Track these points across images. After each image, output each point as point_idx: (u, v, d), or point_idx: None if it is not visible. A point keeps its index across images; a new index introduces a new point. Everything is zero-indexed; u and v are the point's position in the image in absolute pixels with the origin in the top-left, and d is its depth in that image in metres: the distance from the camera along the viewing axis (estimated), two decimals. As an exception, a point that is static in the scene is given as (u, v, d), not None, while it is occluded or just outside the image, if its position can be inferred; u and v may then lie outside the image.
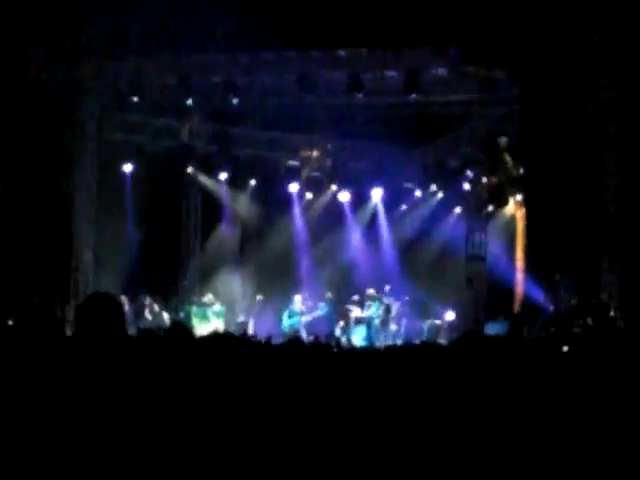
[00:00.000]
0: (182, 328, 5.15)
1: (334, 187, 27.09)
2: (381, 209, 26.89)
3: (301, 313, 23.79)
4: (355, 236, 27.04)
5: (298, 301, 24.00)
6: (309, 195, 27.49)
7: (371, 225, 27.06)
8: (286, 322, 23.60)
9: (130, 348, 4.44)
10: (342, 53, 21.07)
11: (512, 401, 3.72)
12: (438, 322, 23.54)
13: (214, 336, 5.02)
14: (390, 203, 26.90)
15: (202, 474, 4.15)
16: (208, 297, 24.19)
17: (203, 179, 26.31)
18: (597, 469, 4.24)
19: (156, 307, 23.53)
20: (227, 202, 26.58)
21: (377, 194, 26.44)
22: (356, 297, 24.00)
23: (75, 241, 22.42)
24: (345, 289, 24.93)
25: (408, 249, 26.28)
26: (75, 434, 3.96)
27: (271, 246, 26.09)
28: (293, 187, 26.71)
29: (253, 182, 26.78)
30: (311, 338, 20.45)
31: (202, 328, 22.21)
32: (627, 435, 4.38)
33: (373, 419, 4.51)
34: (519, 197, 23.68)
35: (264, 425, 4.36)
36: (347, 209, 27.02)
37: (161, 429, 4.17)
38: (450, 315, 23.54)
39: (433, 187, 26.55)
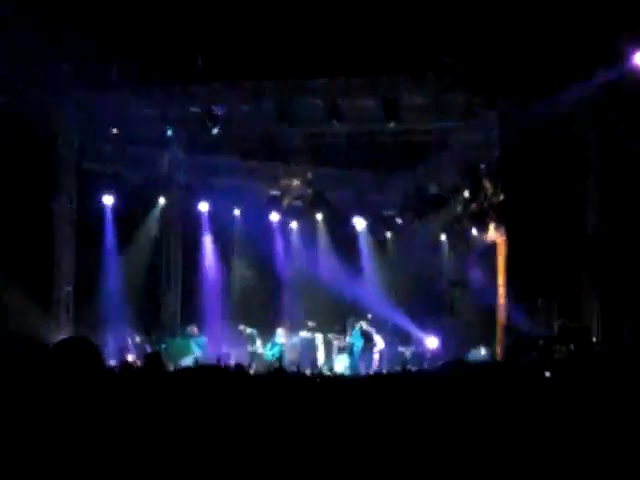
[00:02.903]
0: (156, 360, 5.12)
1: (316, 216, 27.11)
2: (364, 238, 26.94)
3: (283, 345, 23.71)
4: (337, 264, 27.02)
5: (281, 334, 23.93)
6: (290, 224, 27.50)
7: (352, 253, 27.04)
8: (268, 352, 23.54)
9: (107, 381, 4.39)
10: (320, 82, 21.09)
11: (496, 429, 3.69)
12: (421, 349, 23.46)
13: (198, 368, 4.99)
14: (371, 231, 26.97)
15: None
16: (191, 328, 24.06)
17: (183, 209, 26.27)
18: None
19: (138, 339, 23.41)
20: (208, 232, 26.50)
21: (360, 224, 26.52)
22: (338, 326, 24.00)
23: (55, 273, 22.28)
24: (327, 318, 24.87)
25: (391, 277, 26.27)
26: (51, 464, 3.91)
27: (253, 275, 26.00)
28: (274, 216, 26.74)
29: (234, 212, 26.79)
30: (293, 368, 20.40)
31: (184, 360, 22.13)
32: (612, 461, 4.36)
33: (356, 447, 4.47)
34: (500, 223, 23.68)
35: (247, 455, 4.33)
36: (328, 237, 27.03)
37: (143, 461, 4.12)
38: (432, 342, 23.45)
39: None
